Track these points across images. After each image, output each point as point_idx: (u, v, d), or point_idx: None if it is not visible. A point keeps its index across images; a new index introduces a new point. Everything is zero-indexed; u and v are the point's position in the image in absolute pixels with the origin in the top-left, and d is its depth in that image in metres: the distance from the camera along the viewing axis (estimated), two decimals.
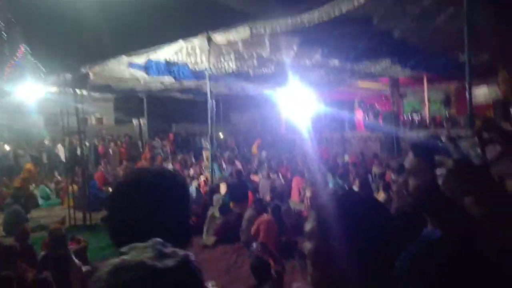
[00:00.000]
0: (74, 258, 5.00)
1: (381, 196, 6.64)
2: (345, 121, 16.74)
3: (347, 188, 7.41)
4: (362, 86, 14.92)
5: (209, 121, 8.03)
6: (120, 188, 1.05)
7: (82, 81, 8.43)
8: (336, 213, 1.00)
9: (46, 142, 14.28)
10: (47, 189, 10.57)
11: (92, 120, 22.55)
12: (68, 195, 8.54)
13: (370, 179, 8.70)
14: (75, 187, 9.25)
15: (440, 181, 0.89)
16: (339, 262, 0.97)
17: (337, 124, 16.69)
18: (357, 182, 8.10)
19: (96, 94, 13.78)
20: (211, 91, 8.55)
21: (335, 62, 8.67)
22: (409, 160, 1.23)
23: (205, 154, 15.07)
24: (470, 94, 6.95)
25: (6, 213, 7.47)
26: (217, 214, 6.53)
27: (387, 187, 6.85)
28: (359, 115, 16.98)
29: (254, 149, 16.05)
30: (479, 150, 0.89)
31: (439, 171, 0.89)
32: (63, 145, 13.89)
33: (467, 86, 6.73)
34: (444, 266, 1.03)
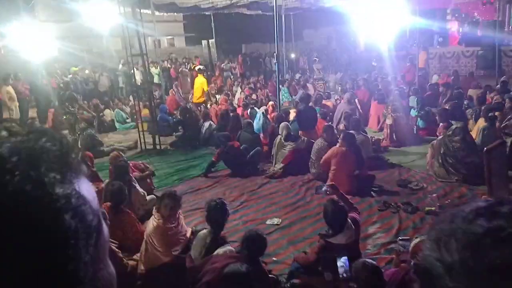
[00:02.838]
0: (137, 186, 4.96)
1: (481, 124, 5.54)
2: (435, 34, 14.47)
3: (431, 114, 6.31)
4: None
5: (276, 39, 7.16)
6: None
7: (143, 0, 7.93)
8: None
9: (121, 66, 14.51)
10: (123, 113, 10.85)
11: (165, 43, 22.58)
12: (140, 119, 8.59)
13: (465, 103, 7.42)
14: (146, 111, 9.29)
15: None
16: None
17: (424, 38, 14.55)
18: (447, 106, 6.97)
19: (165, 15, 13.36)
20: (279, 5, 7.56)
21: None
22: None
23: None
24: None
25: (81, 138, 7.74)
26: (284, 141, 6.01)
27: (488, 114, 5.69)
28: (452, 26, 14.56)
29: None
30: None
31: None
32: (137, 69, 14.03)
33: None
34: None
